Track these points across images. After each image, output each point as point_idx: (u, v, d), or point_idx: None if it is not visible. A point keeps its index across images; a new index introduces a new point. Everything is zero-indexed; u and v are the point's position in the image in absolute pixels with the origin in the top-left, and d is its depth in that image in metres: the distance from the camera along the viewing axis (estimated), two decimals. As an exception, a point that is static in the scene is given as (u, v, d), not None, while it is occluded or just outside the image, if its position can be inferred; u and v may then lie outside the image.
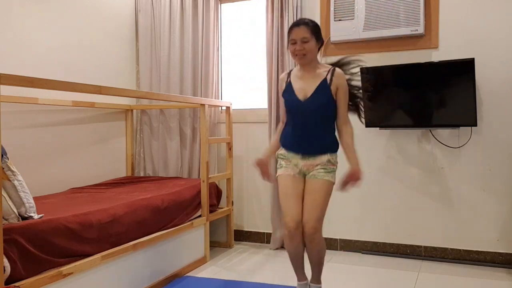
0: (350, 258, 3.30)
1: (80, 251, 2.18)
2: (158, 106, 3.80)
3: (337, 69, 2.34)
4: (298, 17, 3.39)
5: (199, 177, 3.75)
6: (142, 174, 3.92)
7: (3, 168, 1.95)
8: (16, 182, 1.99)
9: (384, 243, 3.37)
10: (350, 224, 3.46)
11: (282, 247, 3.57)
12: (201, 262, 3.20)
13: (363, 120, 2.64)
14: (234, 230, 3.79)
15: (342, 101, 2.35)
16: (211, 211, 3.34)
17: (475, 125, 2.92)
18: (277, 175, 2.44)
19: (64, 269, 2.05)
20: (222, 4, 3.88)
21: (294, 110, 2.34)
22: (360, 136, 3.40)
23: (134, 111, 3.96)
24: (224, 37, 3.89)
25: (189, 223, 3.03)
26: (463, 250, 3.16)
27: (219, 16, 3.85)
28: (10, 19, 2.88)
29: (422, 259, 3.24)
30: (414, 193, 3.28)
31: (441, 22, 3.17)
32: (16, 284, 1.84)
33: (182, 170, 3.82)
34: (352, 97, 2.51)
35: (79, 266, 2.13)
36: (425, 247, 3.26)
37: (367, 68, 3.16)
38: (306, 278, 2.51)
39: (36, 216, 2.07)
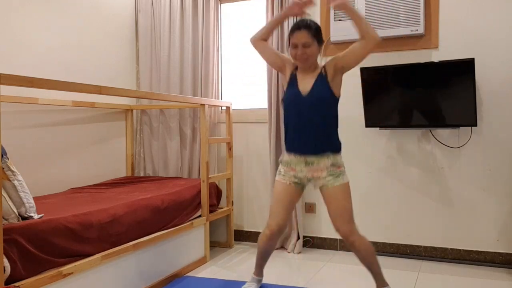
0: (350, 258, 3.30)
1: (80, 251, 2.18)
2: (158, 106, 3.80)
3: (327, 61, 2.36)
4: (298, 17, 3.39)
5: (199, 177, 3.75)
6: (142, 174, 3.92)
7: (3, 168, 1.95)
8: (16, 182, 1.99)
9: (384, 243, 3.37)
10: (350, 224, 3.46)
11: (282, 247, 3.57)
12: (201, 262, 3.20)
13: None
14: (234, 230, 3.79)
15: (345, 52, 2.29)
16: (211, 211, 3.34)
17: (475, 125, 2.92)
18: (275, 179, 2.48)
19: (64, 269, 2.05)
20: (222, 4, 3.88)
21: (295, 104, 2.34)
22: (360, 136, 3.40)
23: (134, 111, 3.96)
24: (224, 37, 3.89)
25: (189, 223, 3.03)
26: (463, 250, 3.16)
27: (219, 16, 3.85)
28: (10, 19, 2.88)
29: (422, 259, 3.24)
30: (414, 193, 3.28)
31: (441, 22, 3.17)
32: (16, 284, 1.84)
33: (182, 170, 3.82)
34: None
35: (79, 266, 2.13)
36: (425, 247, 3.26)
37: (367, 68, 3.16)
38: (262, 275, 2.64)
39: (36, 216, 2.07)
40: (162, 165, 3.85)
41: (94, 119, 3.54)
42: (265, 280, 2.84)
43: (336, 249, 3.50)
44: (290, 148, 2.39)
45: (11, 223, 1.94)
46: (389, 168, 3.34)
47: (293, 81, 2.39)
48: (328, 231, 3.51)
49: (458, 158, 3.16)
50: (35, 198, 2.81)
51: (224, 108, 3.76)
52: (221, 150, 3.82)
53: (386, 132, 3.34)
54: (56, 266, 2.05)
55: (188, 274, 2.99)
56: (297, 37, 2.26)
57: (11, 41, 2.88)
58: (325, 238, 3.53)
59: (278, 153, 3.51)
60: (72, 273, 2.09)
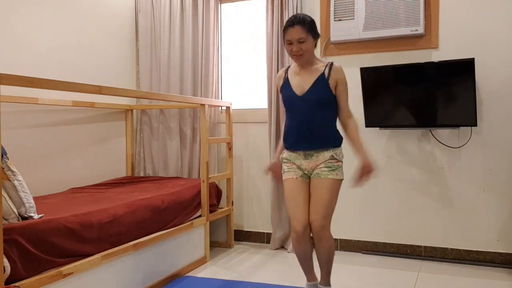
0: (350, 258, 3.30)
1: (80, 251, 2.18)
2: (158, 106, 3.80)
3: (335, 64, 2.33)
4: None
5: (199, 177, 3.75)
6: (142, 174, 3.92)
7: (3, 168, 1.95)
8: (16, 182, 1.99)
9: (384, 243, 3.37)
10: (350, 224, 3.46)
11: (282, 247, 3.57)
12: (201, 262, 3.20)
13: None
14: (234, 230, 3.79)
15: (343, 95, 2.34)
16: (211, 211, 3.34)
17: (475, 125, 2.92)
18: (283, 179, 2.42)
19: (64, 269, 2.05)
20: (222, 4, 3.88)
21: (292, 105, 2.33)
22: (360, 136, 3.40)
23: (134, 111, 3.96)
24: (224, 37, 3.89)
25: (189, 223, 3.03)
26: (463, 250, 3.16)
27: (219, 16, 3.85)
28: (10, 19, 2.88)
29: (422, 259, 3.24)
30: (414, 193, 3.28)
31: (441, 22, 3.17)
32: (16, 284, 1.84)
33: (182, 170, 3.82)
34: None
35: (79, 266, 2.13)
36: (425, 247, 3.26)
37: (367, 68, 3.16)
38: (316, 279, 2.49)
39: (36, 216, 2.07)
40: (162, 165, 3.85)
41: (94, 119, 3.54)
42: (265, 280, 2.84)
43: (336, 249, 3.50)
44: (290, 146, 2.38)
45: (11, 223, 1.94)
46: (389, 168, 3.34)
47: (286, 84, 2.38)
48: (328, 231, 3.51)
49: (458, 158, 3.16)
50: (35, 198, 2.81)
51: (224, 108, 3.76)
52: (221, 150, 3.82)
53: (386, 132, 3.34)
54: (56, 266, 2.05)
55: (188, 274, 2.99)
56: (291, 33, 2.24)
57: (11, 41, 2.88)
58: (325, 238, 3.52)
59: (278, 153, 3.51)
60: (72, 273, 2.09)
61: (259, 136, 3.71)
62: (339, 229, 3.49)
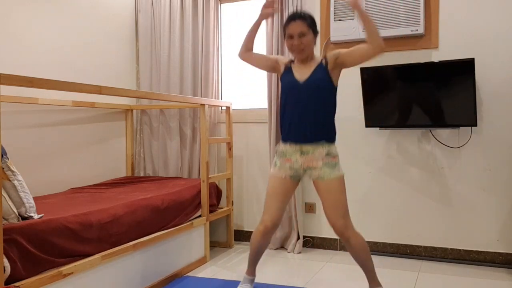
0: (350, 258, 3.30)
1: (80, 251, 2.18)
2: (158, 106, 3.80)
3: (329, 52, 2.38)
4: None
5: (199, 177, 3.75)
6: (142, 174, 3.92)
7: (3, 168, 1.95)
8: (16, 182, 1.99)
9: (384, 243, 3.37)
10: (350, 224, 3.46)
11: (282, 247, 3.57)
12: (201, 262, 3.20)
13: None
14: (234, 230, 3.79)
15: (349, 49, 2.30)
16: (211, 211, 3.34)
17: (475, 125, 2.92)
18: (270, 172, 2.46)
19: (64, 269, 2.05)
20: (222, 4, 3.88)
21: (292, 90, 2.35)
22: (360, 136, 3.40)
23: (134, 111, 3.96)
24: (224, 37, 3.89)
25: (189, 223, 3.03)
26: (463, 250, 3.16)
27: (219, 16, 3.85)
28: (10, 19, 2.88)
29: (422, 259, 3.24)
30: (414, 193, 3.28)
31: (441, 22, 3.17)
32: (16, 284, 1.84)
33: (182, 170, 3.82)
34: None
35: (79, 266, 2.13)
36: (425, 247, 3.26)
37: (367, 68, 3.16)
38: (254, 274, 2.60)
39: (36, 216, 2.07)
40: (162, 165, 3.85)
41: (94, 119, 3.54)
42: (265, 280, 2.84)
43: (336, 249, 3.50)
44: (286, 137, 2.39)
45: (11, 223, 1.94)
46: (389, 168, 3.34)
47: (288, 71, 2.41)
48: (328, 231, 3.51)
49: (458, 158, 3.16)
50: (35, 198, 2.81)
51: (224, 108, 3.76)
52: (221, 150, 3.82)
53: (386, 132, 3.34)
54: (56, 266, 2.05)
55: (188, 274, 2.99)
56: (292, 27, 2.28)
57: (11, 41, 2.88)
58: (325, 238, 3.53)
59: (278, 153, 3.51)
60: (72, 273, 2.09)
61: (259, 136, 3.71)
62: (339, 229, 3.49)
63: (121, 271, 2.44)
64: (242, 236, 3.79)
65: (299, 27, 2.27)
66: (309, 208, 3.56)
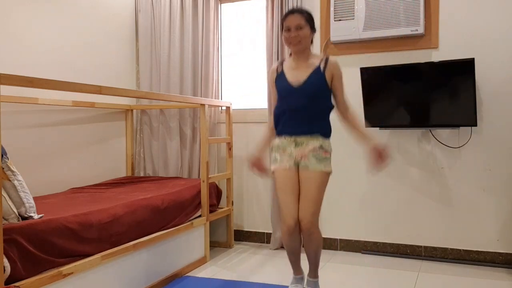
0: (350, 258, 3.30)
1: (80, 251, 2.18)
2: (158, 106, 3.80)
3: (331, 58, 2.38)
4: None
5: (199, 177, 3.75)
6: (142, 174, 3.92)
7: (3, 168, 1.95)
8: (16, 182, 1.99)
9: (384, 243, 3.37)
10: (350, 224, 3.46)
11: (282, 247, 3.57)
12: (201, 262, 3.20)
13: None
14: (234, 230, 3.79)
15: (339, 89, 2.39)
16: (211, 211, 3.34)
17: (475, 125, 2.92)
18: (272, 169, 2.43)
19: (64, 269, 2.05)
20: (222, 4, 3.88)
21: (287, 96, 2.36)
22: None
23: (134, 111, 3.96)
24: (224, 37, 3.89)
25: (189, 223, 3.03)
26: (463, 250, 3.16)
27: (219, 16, 3.85)
28: (10, 19, 2.88)
29: (422, 259, 3.24)
30: (414, 193, 3.28)
31: (441, 22, 3.17)
32: (16, 284, 1.84)
33: (182, 170, 3.82)
34: None
35: (79, 266, 2.13)
36: (425, 247, 3.26)
37: (367, 68, 3.16)
38: (302, 272, 2.55)
39: (36, 216, 2.07)
40: (162, 165, 3.85)
41: (94, 119, 3.54)
42: (265, 280, 2.85)
43: (336, 249, 3.50)
44: (281, 131, 2.40)
45: (11, 223, 1.94)
46: (389, 168, 3.34)
47: (281, 75, 2.41)
48: (328, 231, 3.51)
49: (458, 158, 3.16)
50: (35, 198, 2.81)
51: (224, 108, 3.76)
52: (221, 150, 3.82)
53: (386, 132, 3.34)
54: (56, 266, 2.05)
55: (188, 274, 2.99)
56: (290, 20, 2.31)
57: (11, 41, 2.88)
58: (325, 238, 3.53)
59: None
60: (72, 273, 2.09)
61: (259, 136, 3.71)
62: (339, 229, 3.49)
63: (121, 271, 2.44)
64: (242, 236, 3.79)
65: (296, 19, 2.30)
66: (309, 208, 3.56)
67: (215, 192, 3.46)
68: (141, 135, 3.93)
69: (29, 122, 3.00)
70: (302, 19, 2.30)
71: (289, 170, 2.36)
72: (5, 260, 1.80)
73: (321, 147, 2.33)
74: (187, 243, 3.05)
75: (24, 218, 2.04)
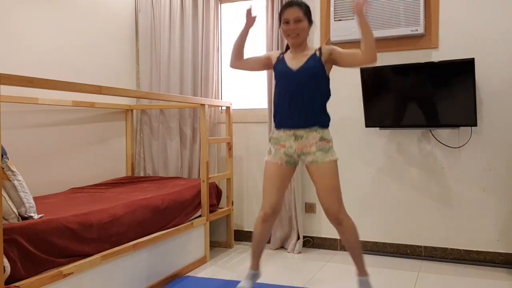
0: (350, 258, 3.29)
1: (80, 251, 2.18)
2: (158, 106, 3.80)
3: (324, 45, 2.44)
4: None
5: (199, 177, 3.75)
6: (142, 174, 3.92)
7: (3, 168, 1.95)
8: (16, 182, 1.99)
9: (384, 243, 3.37)
10: (350, 224, 3.46)
11: (282, 247, 3.57)
12: (201, 262, 3.20)
13: None
14: (234, 230, 3.79)
15: (343, 51, 2.36)
16: (211, 211, 3.34)
17: (475, 125, 2.92)
18: (265, 159, 2.49)
19: (64, 269, 2.05)
20: (222, 4, 3.88)
21: (285, 78, 2.39)
22: (360, 136, 3.40)
23: (134, 111, 3.96)
24: (224, 37, 3.89)
25: (189, 223, 3.03)
26: (463, 250, 3.16)
27: (219, 16, 3.85)
28: (10, 19, 2.88)
29: (422, 259, 3.24)
30: (414, 193, 3.28)
31: (441, 22, 3.17)
32: (16, 284, 1.84)
33: (182, 170, 3.82)
34: None
35: (79, 266, 2.13)
36: (425, 247, 3.26)
37: (367, 68, 3.16)
38: (259, 268, 2.58)
39: (36, 216, 2.07)
40: (162, 165, 3.85)
41: (94, 119, 3.54)
42: (265, 280, 2.84)
43: (336, 249, 3.50)
44: (279, 123, 2.43)
45: (11, 223, 1.94)
46: (389, 168, 3.34)
47: (281, 61, 2.45)
48: (328, 231, 3.51)
49: (458, 158, 3.16)
50: (35, 198, 2.81)
51: (224, 108, 3.76)
52: (221, 150, 3.82)
53: (386, 132, 3.34)
54: (56, 266, 2.05)
55: (188, 274, 2.99)
56: (288, 13, 2.35)
57: (11, 41, 2.88)
58: (325, 238, 3.53)
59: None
60: (72, 273, 2.09)
61: (259, 136, 3.71)
62: (339, 229, 3.49)
63: (121, 271, 2.44)
64: (242, 236, 3.79)
65: (295, 12, 2.34)
66: (309, 208, 3.56)
67: (215, 192, 3.46)
68: (141, 135, 3.93)
69: (29, 122, 3.00)
70: (301, 12, 2.34)
71: (280, 165, 2.42)
72: (5, 260, 1.80)
73: (321, 138, 2.36)
74: (187, 243, 3.05)
75: (24, 218, 2.04)
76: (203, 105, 3.19)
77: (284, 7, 2.38)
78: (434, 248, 3.24)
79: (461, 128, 3.13)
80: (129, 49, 3.93)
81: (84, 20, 3.45)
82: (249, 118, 3.74)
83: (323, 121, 2.39)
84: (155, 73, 3.89)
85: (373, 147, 3.38)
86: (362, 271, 2.45)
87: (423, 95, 3.05)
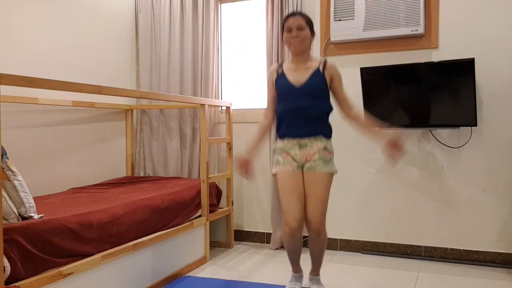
0: (350, 258, 3.30)
1: (80, 251, 2.18)
2: (158, 106, 3.80)
3: (329, 61, 2.44)
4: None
5: (199, 177, 3.75)
6: (142, 174, 3.92)
7: (3, 168, 1.95)
8: (16, 182, 1.99)
9: (384, 243, 3.37)
10: (350, 224, 3.46)
11: (282, 247, 3.57)
12: (201, 262, 3.20)
13: None
14: (234, 230, 3.79)
15: (339, 89, 2.45)
16: (211, 211, 3.34)
17: (475, 125, 2.92)
18: (274, 172, 2.45)
19: (64, 269, 2.05)
20: (222, 4, 3.88)
21: (288, 95, 2.39)
22: (360, 136, 3.40)
23: (134, 111, 3.96)
24: (224, 37, 3.89)
25: (189, 223, 3.03)
26: (463, 250, 3.16)
27: (219, 16, 3.85)
28: (10, 19, 2.88)
29: (422, 259, 3.24)
30: (414, 193, 3.28)
31: (441, 22, 3.17)
32: (16, 284, 1.84)
33: (182, 170, 3.82)
34: None
35: (79, 266, 2.13)
36: (425, 247, 3.26)
37: (367, 68, 3.16)
38: (301, 270, 2.60)
39: (36, 216, 2.07)
40: (162, 165, 3.85)
41: (94, 119, 3.54)
42: (265, 280, 2.85)
43: (336, 249, 3.50)
44: (283, 134, 2.43)
45: (11, 223, 1.94)
46: (389, 168, 3.34)
47: (282, 76, 2.45)
48: (328, 231, 3.50)
49: (458, 158, 3.16)
50: (35, 198, 2.81)
51: (224, 108, 3.76)
52: (221, 150, 3.82)
53: (386, 132, 3.34)
54: (56, 266, 2.05)
55: (188, 274, 2.99)
56: (291, 21, 2.37)
57: (11, 41, 2.88)
58: (325, 238, 3.52)
59: (278, 153, 3.51)
60: (72, 273, 2.09)
61: (259, 136, 3.70)
62: (339, 229, 3.49)
63: (121, 271, 2.44)
64: (242, 236, 3.79)
65: (297, 20, 2.36)
66: (309, 208, 3.56)
67: (215, 192, 3.46)
68: (141, 135, 3.93)
69: (29, 122, 3.00)
70: (303, 20, 2.37)
71: (292, 173, 2.38)
72: (5, 260, 1.80)
73: (325, 148, 2.38)
74: (187, 243, 3.05)
75: (24, 218, 2.04)
76: (203, 105, 3.19)
77: (286, 17, 2.40)
78: (434, 248, 3.24)
79: (461, 128, 3.13)
80: (129, 49, 3.93)
81: (84, 20, 3.45)
82: (249, 118, 3.74)
83: (327, 131, 2.41)
84: (155, 73, 3.89)
85: (373, 147, 3.38)
86: (317, 272, 2.56)
87: (423, 95, 3.05)
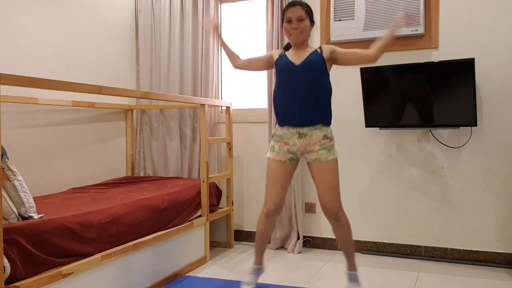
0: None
1: (80, 251, 2.18)
2: (158, 106, 3.80)
3: (324, 45, 2.51)
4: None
5: (199, 177, 3.75)
6: (142, 174, 3.92)
7: (3, 168, 1.95)
8: (16, 182, 2.00)
9: (384, 243, 3.37)
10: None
11: (282, 247, 3.57)
12: (201, 262, 3.20)
13: None
14: (234, 230, 3.79)
15: (346, 50, 2.44)
16: (211, 211, 3.34)
17: (475, 125, 2.92)
18: (267, 156, 2.52)
19: (64, 269, 2.05)
20: (222, 4, 3.88)
21: (288, 74, 2.42)
22: (360, 136, 3.40)
23: (134, 111, 3.96)
24: (224, 37, 3.89)
25: (189, 223, 3.03)
26: (463, 250, 3.16)
27: (219, 16, 3.85)
28: (10, 19, 2.88)
29: (422, 259, 3.24)
30: (414, 193, 3.28)
31: (441, 22, 3.17)
32: (16, 284, 1.84)
33: (182, 170, 3.82)
34: None
35: (79, 266, 2.13)
36: (425, 247, 3.26)
37: (367, 68, 3.16)
38: (262, 262, 2.66)
39: (36, 216, 2.07)
40: (162, 165, 3.85)
41: (94, 119, 3.54)
42: (265, 280, 2.84)
43: (336, 249, 3.50)
44: (283, 121, 2.45)
45: (11, 223, 1.94)
46: (389, 168, 3.34)
47: (283, 57, 2.49)
48: (328, 231, 3.51)
49: (458, 158, 3.16)
50: (35, 198, 2.81)
51: (224, 108, 3.76)
52: (221, 150, 3.82)
53: (386, 132, 3.34)
54: (56, 266, 2.05)
55: (188, 274, 2.99)
56: (291, 11, 2.40)
57: (11, 41, 2.88)
58: (325, 238, 3.53)
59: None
60: (72, 273, 2.09)
61: (259, 136, 3.71)
62: (339, 229, 3.49)
63: (121, 271, 2.44)
64: (242, 236, 3.79)
65: (298, 11, 2.39)
66: (309, 208, 3.56)
67: (215, 192, 3.46)
68: (141, 135, 3.93)
69: (29, 122, 3.00)
70: (303, 11, 2.40)
71: (283, 163, 2.46)
72: (5, 260, 1.80)
73: (325, 136, 2.41)
74: (187, 243, 3.05)
75: (24, 218, 2.04)
76: (203, 105, 3.19)
77: (286, 7, 2.43)
78: (434, 248, 3.24)
79: (461, 128, 3.13)
80: (129, 49, 3.93)
81: (84, 20, 3.45)
82: (249, 118, 3.74)
83: (326, 118, 2.43)
84: (155, 73, 3.89)
85: (373, 147, 3.38)
86: (353, 267, 2.54)
87: (423, 95, 3.05)
